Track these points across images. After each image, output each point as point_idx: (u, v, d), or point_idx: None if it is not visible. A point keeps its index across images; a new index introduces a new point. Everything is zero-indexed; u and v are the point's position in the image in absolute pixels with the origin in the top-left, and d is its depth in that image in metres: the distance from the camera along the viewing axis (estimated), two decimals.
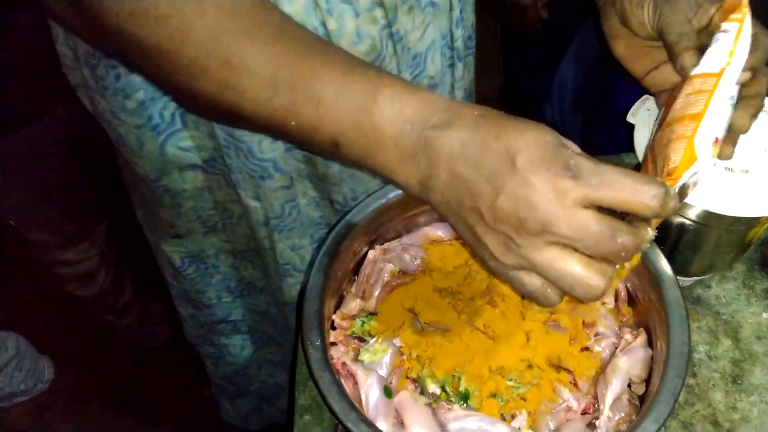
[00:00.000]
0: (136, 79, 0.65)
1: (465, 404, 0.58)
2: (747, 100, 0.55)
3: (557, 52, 1.34)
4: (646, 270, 0.61)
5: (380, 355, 0.61)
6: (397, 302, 0.65)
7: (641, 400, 0.59)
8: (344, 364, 0.59)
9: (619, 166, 0.80)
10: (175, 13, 0.46)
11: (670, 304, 0.59)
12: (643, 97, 0.67)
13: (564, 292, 0.46)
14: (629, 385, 0.59)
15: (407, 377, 0.60)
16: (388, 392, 0.58)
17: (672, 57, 0.57)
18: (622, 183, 0.41)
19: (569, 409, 0.59)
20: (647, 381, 0.59)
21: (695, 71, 0.54)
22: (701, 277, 0.71)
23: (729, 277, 0.72)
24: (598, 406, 0.58)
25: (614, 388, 0.58)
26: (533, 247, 0.43)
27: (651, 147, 0.55)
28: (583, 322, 0.63)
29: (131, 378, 1.62)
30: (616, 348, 0.62)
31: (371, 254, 0.68)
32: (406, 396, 0.58)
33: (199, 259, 0.87)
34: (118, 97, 0.67)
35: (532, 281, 0.45)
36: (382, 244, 0.70)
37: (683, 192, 0.50)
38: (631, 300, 0.65)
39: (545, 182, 0.41)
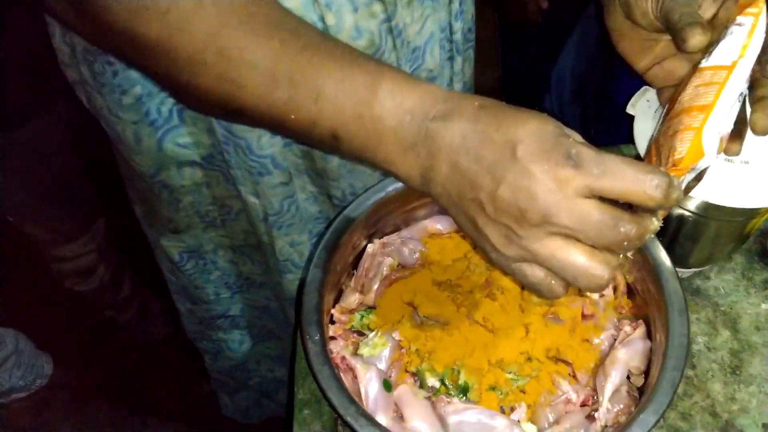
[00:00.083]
0: (133, 75, 0.65)
1: (464, 397, 0.58)
2: (763, 100, 0.53)
3: (556, 44, 1.34)
4: (645, 262, 0.61)
5: (379, 349, 0.61)
6: (396, 296, 0.65)
7: (640, 392, 0.59)
8: (343, 358, 0.59)
9: None
10: (173, 8, 0.46)
11: (669, 296, 0.59)
12: (643, 88, 0.67)
13: (568, 284, 0.45)
14: (628, 377, 0.59)
15: (406, 371, 0.60)
16: (387, 386, 0.58)
17: (676, 37, 0.55)
18: (625, 172, 0.41)
19: (568, 401, 0.59)
20: (646, 373, 0.59)
21: (706, 63, 0.53)
22: (700, 269, 0.71)
23: (728, 268, 0.72)
24: (598, 398, 0.58)
25: (613, 379, 0.58)
26: (535, 238, 0.43)
27: (655, 139, 0.54)
28: (582, 314, 0.63)
29: (131, 373, 1.62)
30: (615, 340, 0.62)
31: (370, 248, 0.68)
32: (405, 390, 0.58)
33: (197, 254, 0.87)
34: (115, 93, 0.67)
35: (535, 273, 0.45)
36: (381, 237, 0.70)
37: (689, 187, 0.49)
38: (630, 292, 0.65)
39: (546, 172, 0.41)
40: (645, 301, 0.62)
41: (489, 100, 0.46)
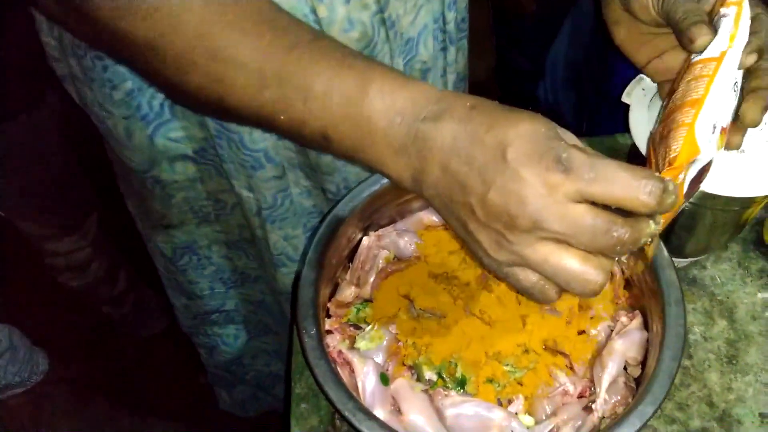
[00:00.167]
0: (124, 70, 0.64)
1: (462, 390, 0.58)
2: (757, 92, 0.53)
3: (550, 32, 1.33)
4: (641, 252, 0.60)
5: (376, 343, 0.61)
6: (392, 289, 0.65)
7: (637, 383, 0.59)
8: (340, 352, 0.59)
9: (614, 146, 0.80)
10: (161, 6, 0.46)
11: (666, 286, 0.58)
12: (638, 76, 0.66)
13: (561, 288, 0.45)
14: (625, 368, 0.59)
15: (403, 364, 0.60)
16: (384, 380, 0.58)
17: (679, 35, 0.54)
18: (617, 178, 0.40)
19: (566, 392, 0.59)
20: (643, 363, 0.59)
21: (696, 57, 0.52)
22: (696, 258, 0.71)
23: (724, 257, 0.72)
24: (595, 389, 0.58)
25: (610, 371, 0.58)
26: (526, 244, 0.42)
27: (653, 138, 0.54)
28: (579, 305, 0.63)
29: (127, 367, 1.62)
30: (612, 331, 0.62)
31: (365, 241, 0.68)
32: (402, 383, 0.57)
33: (191, 250, 0.87)
34: (105, 88, 0.66)
35: (528, 277, 0.45)
36: (377, 230, 0.69)
37: (690, 193, 0.48)
38: (627, 282, 0.65)
39: (536, 176, 0.40)
40: (641, 291, 0.62)
41: (481, 100, 0.45)
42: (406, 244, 0.68)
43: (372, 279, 0.66)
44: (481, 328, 0.61)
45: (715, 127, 0.49)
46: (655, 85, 0.64)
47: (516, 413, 0.57)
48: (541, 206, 0.40)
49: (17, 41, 1.01)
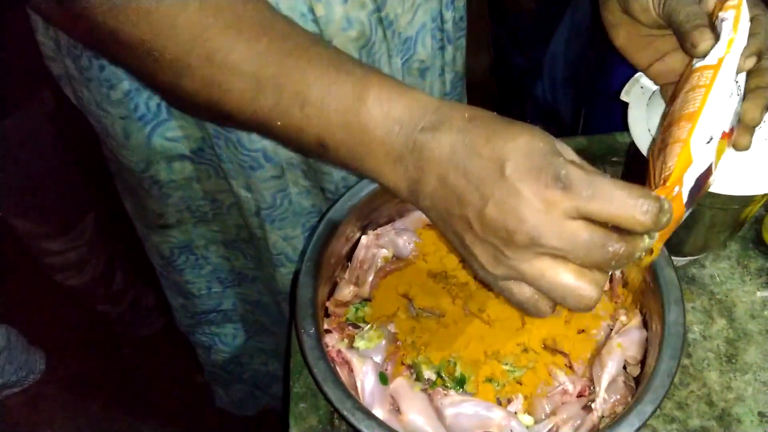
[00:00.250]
0: (121, 70, 0.64)
1: (461, 389, 0.58)
2: (757, 91, 0.52)
3: (548, 28, 1.33)
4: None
5: (375, 342, 0.60)
6: (391, 288, 0.65)
7: (637, 382, 0.59)
8: (339, 351, 0.59)
9: (613, 145, 0.79)
10: (156, 8, 0.45)
11: (665, 285, 0.58)
12: (637, 74, 0.66)
13: (555, 303, 0.45)
14: (624, 367, 0.59)
15: (402, 363, 0.60)
16: (383, 379, 0.57)
17: (682, 38, 0.53)
18: (614, 196, 0.40)
19: (565, 392, 0.59)
20: (642, 362, 0.59)
21: (697, 62, 0.52)
22: (695, 257, 0.71)
23: (723, 256, 0.72)
24: (594, 388, 0.58)
25: (610, 370, 0.58)
26: (522, 259, 0.42)
27: (652, 150, 0.53)
28: None
29: (125, 366, 1.61)
30: (611, 330, 0.62)
31: (364, 240, 0.68)
32: (401, 382, 0.57)
33: (189, 249, 0.87)
34: (102, 88, 0.66)
35: (523, 291, 0.45)
36: (375, 229, 0.69)
37: (695, 194, 0.48)
38: (626, 281, 0.65)
39: (534, 193, 0.40)
40: (641, 290, 0.62)
41: (480, 110, 0.45)
42: (405, 243, 0.68)
43: (371, 278, 0.65)
44: (481, 328, 0.61)
45: (711, 138, 0.48)
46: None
47: (515, 412, 0.57)
48: (539, 223, 0.40)
49: (12, 41, 1.01)
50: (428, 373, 0.59)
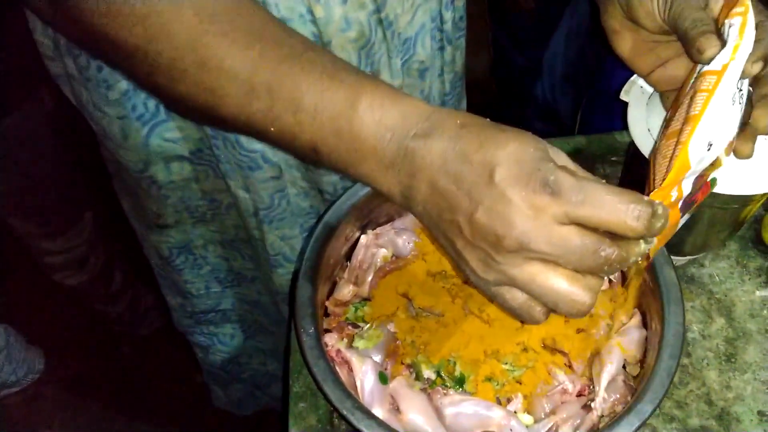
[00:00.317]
0: None
1: (461, 389, 0.58)
2: (766, 99, 0.52)
3: (548, 28, 1.33)
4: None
5: (374, 341, 0.60)
6: (390, 287, 0.65)
7: (636, 381, 0.59)
8: (338, 351, 0.59)
9: (613, 144, 0.79)
10: (151, 12, 0.45)
11: (665, 284, 0.58)
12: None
13: (548, 309, 0.45)
14: (624, 367, 0.59)
15: (402, 363, 0.60)
16: (383, 378, 0.57)
17: (687, 44, 0.53)
18: (605, 202, 0.40)
19: (565, 391, 0.59)
20: (642, 362, 0.59)
21: (701, 68, 0.51)
22: (695, 256, 0.71)
23: (722, 255, 0.72)
24: (594, 387, 0.58)
25: (609, 369, 0.58)
26: (513, 264, 0.42)
27: (653, 154, 0.53)
28: None
29: (123, 366, 1.61)
30: (611, 329, 0.61)
31: (363, 239, 0.68)
32: (401, 382, 0.57)
33: (187, 249, 0.86)
34: (100, 87, 0.66)
35: (515, 297, 0.45)
36: (374, 228, 0.69)
37: (691, 200, 0.48)
38: (625, 281, 0.65)
39: (522, 198, 0.40)
40: (640, 289, 0.62)
41: (472, 117, 0.45)
42: (405, 242, 0.67)
43: (370, 278, 0.65)
44: (480, 327, 0.61)
45: (711, 145, 0.48)
46: None
47: (515, 412, 0.57)
48: (528, 228, 0.40)
49: (11, 40, 1.01)
50: (428, 373, 0.59)
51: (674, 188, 0.46)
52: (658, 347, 0.55)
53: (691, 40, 0.52)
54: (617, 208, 0.40)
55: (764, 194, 0.59)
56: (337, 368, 0.56)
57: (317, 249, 0.61)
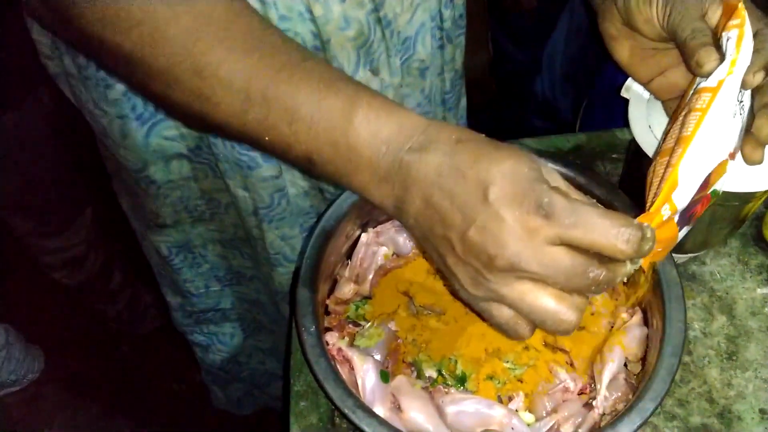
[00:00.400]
0: None
1: (462, 387, 0.58)
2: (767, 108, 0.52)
3: (547, 25, 1.33)
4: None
5: (375, 340, 0.60)
6: (391, 286, 0.65)
7: (638, 379, 0.59)
8: (340, 349, 0.59)
9: (613, 142, 0.79)
10: (146, 18, 0.45)
11: (666, 282, 0.58)
12: None
13: (534, 326, 0.45)
14: (625, 365, 0.59)
15: (403, 361, 0.60)
16: (384, 377, 0.57)
17: (686, 55, 0.53)
18: (596, 225, 0.40)
19: (566, 389, 0.59)
20: (643, 360, 0.59)
21: (697, 86, 0.51)
22: (696, 254, 0.71)
23: (723, 253, 0.72)
24: (595, 386, 0.58)
25: (611, 367, 0.58)
26: (503, 283, 0.43)
27: (650, 170, 0.52)
28: None
29: (123, 365, 1.61)
30: (612, 327, 0.61)
31: (364, 237, 0.67)
32: (402, 380, 0.57)
33: (186, 248, 0.86)
34: (99, 86, 0.65)
35: (502, 313, 0.45)
36: (375, 226, 0.69)
37: (688, 215, 0.48)
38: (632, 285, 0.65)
39: (515, 219, 0.41)
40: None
41: (468, 132, 0.45)
42: (405, 240, 0.67)
43: (371, 276, 0.65)
44: (481, 325, 0.61)
45: (707, 161, 0.48)
46: None
47: (516, 410, 0.57)
48: (520, 249, 0.41)
49: (10, 40, 1.01)
50: (429, 371, 0.59)
51: (664, 205, 0.46)
52: (660, 345, 0.55)
53: (690, 52, 0.52)
54: (608, 231, 0.40)
55: (766, 191, 0.59)
56: (338, 367, 0.56)
57: (318, 247, 0.61)
